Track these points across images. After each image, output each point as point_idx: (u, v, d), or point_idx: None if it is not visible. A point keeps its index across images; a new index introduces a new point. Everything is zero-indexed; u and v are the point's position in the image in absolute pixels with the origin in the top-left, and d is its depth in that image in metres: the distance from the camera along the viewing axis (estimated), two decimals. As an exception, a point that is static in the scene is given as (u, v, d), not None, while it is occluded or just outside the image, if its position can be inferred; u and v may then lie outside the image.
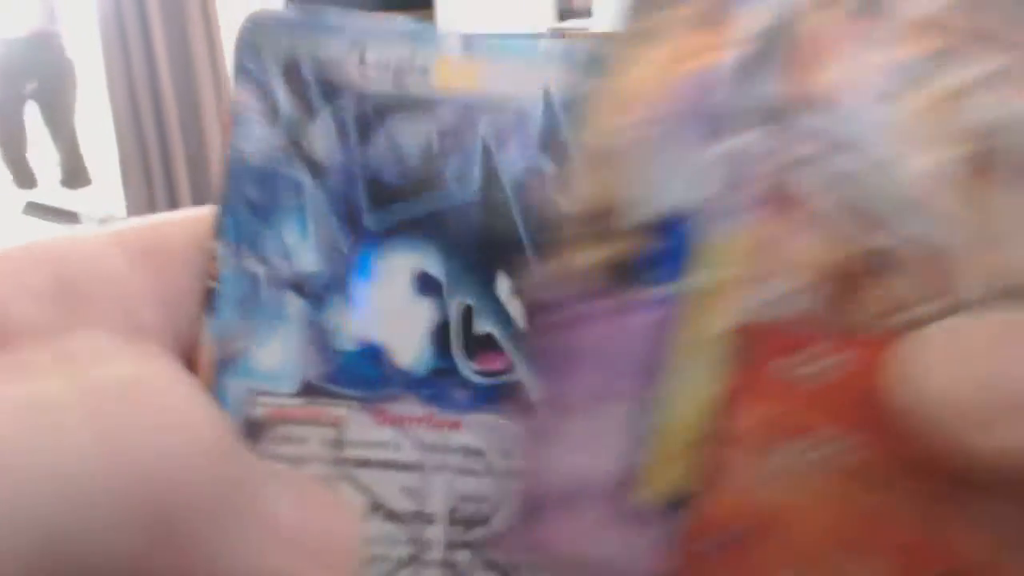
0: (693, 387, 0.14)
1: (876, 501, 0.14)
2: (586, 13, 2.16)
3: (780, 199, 0.14)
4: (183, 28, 1.75)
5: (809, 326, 0.14)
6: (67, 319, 0.16)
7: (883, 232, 0.14)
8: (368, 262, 0.16)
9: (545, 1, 2.18)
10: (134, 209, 1.76)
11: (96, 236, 0.17)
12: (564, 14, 2.19)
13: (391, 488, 0.16)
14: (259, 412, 0.16)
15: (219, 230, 0.16)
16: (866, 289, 0.14)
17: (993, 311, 0.14)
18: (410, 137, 0.16)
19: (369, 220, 0.16)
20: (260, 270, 0.16)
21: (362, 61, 0.16)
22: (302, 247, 0.16)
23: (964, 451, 0.13)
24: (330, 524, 0.15)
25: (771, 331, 0.14)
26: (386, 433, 0.16)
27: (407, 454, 0.16)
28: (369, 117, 0.16)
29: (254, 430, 0.16)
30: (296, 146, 0.16)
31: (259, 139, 0.16)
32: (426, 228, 0.16)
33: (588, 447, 0.14)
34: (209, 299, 0.17)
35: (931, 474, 0.13)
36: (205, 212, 0.17)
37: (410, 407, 0.16)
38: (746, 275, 0.14)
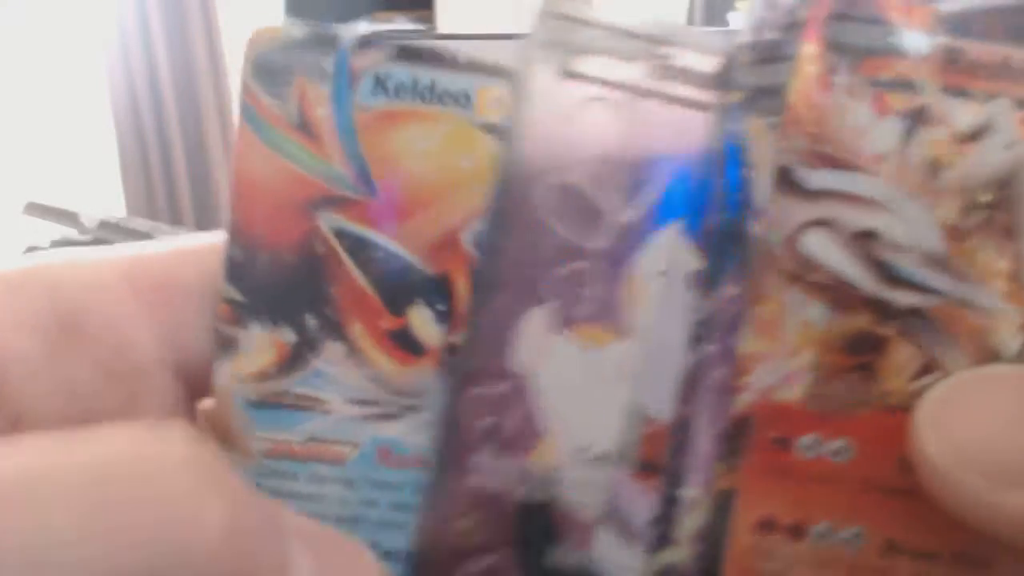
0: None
1: None
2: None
3: (791, 264, 0.14)
4: (183, 28, 1.74)
5: (818, 405, 0.14)
6: (60, 352, 0.15)
7: (907, 290, 0.13)
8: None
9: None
10: (134, 209, 1.75)
11: (103, 264, 0.16)
12: (565, 13, 2.18)
13: None
14: None
15: None
16: (889, 355, 0.14)
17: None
18: None
19: None
20: None
21: None
22: None
23: (988, 509, 0.12)
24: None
25: (778, 412, 0.14)
26: None
27: None
28: None
29: None
30: None
31: None
32: None
33: None
34: (222, 345, 0.16)
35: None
36: (215, 241, 0.17)
37: None
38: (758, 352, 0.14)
